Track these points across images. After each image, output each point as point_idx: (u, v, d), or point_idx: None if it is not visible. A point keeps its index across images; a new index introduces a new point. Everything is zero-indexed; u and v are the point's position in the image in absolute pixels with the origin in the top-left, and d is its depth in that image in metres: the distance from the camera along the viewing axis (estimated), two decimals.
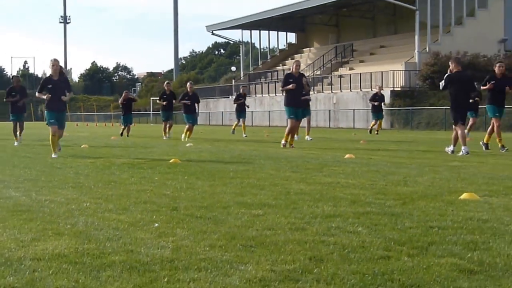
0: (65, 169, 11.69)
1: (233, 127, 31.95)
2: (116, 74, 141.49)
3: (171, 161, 13.04)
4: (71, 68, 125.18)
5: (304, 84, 18.11)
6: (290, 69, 18.53)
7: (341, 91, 50.88)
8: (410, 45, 51.59)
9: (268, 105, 58.96)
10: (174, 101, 26.75)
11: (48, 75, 13.93)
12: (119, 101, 31.11)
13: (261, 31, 73.22)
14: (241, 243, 4.91)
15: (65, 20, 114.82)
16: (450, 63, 16.94)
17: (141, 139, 26.31)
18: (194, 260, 4.38)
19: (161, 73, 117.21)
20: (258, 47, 76.70)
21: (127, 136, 28.55)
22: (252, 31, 72.65)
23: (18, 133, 20.77)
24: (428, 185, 8.67)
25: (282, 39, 75.77)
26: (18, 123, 20.68)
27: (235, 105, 29.49)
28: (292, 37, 74.91)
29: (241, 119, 29.30)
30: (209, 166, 12.26)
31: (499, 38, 52.06)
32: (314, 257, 4.41)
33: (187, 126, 24.99)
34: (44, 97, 13.52)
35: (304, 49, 71.12)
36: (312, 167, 11.62)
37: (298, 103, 18.14)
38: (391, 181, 9.12)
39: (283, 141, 18.05)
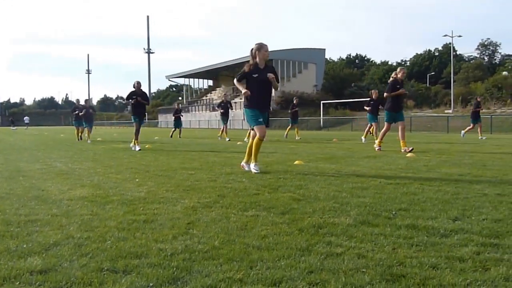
0: (88, 151, 11.08)
1: (171, 133, 21.59)
2: (117, 101, 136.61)
3: (146, 146, 12.63)
4: (92, 98, 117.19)
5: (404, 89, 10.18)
6: (395, 75, 10.00)
7: (235, 110, 50.77)
8: None
9: (198, 117, 58.49)
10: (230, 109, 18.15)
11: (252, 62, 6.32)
12: (173, 114, 21.21)
13: (194, 79, 72.11)
14: (182, 188, 4.81)
15: (88, 71, 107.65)
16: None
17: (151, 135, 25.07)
18: (157, 198, 4.24)
19: None
20: (193, 87, 75.31)
21: (179, 137, 20.59)
22: (190, 78, 71.43)
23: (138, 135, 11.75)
24: (279, 157, 8.82)
25: (205, 83, 74.97)
26: (139, 125, 11.80)
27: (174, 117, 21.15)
28: (210, 82, 74.03)
29: (178, 128, 20.86)
30: (166, 149, 11.94)
31: (313, 84, 54.06)
32: (220, 195, 4.37)
33: (222, 127, 18.26)
34: (243, 90, 6.07)
35: (216, 88, 70.17)
36: (221, 148, 11.56)
37: (398, 108, 10.08)
38: (261, 155, 9.20)
39: (377, 144, 10.57)
